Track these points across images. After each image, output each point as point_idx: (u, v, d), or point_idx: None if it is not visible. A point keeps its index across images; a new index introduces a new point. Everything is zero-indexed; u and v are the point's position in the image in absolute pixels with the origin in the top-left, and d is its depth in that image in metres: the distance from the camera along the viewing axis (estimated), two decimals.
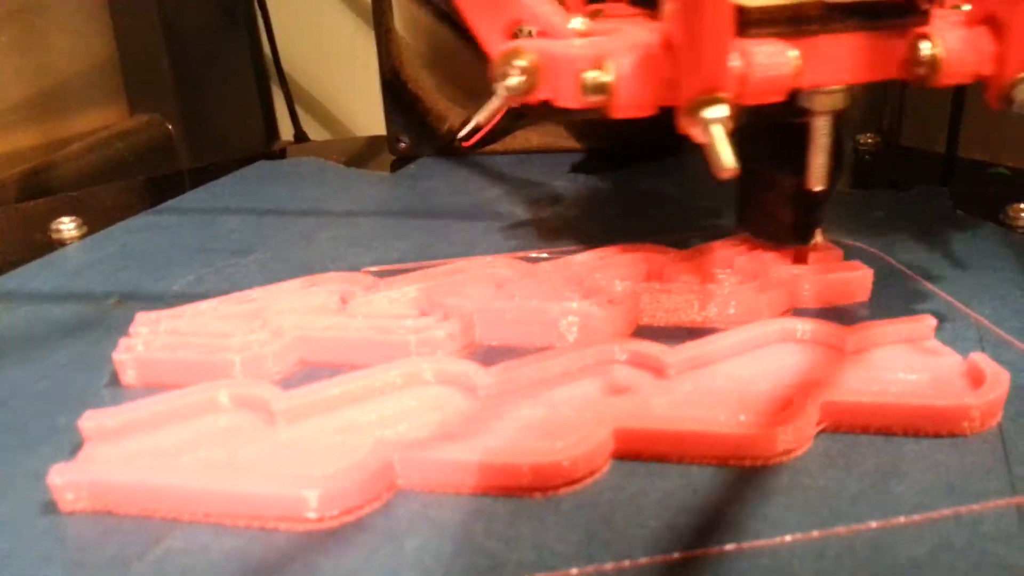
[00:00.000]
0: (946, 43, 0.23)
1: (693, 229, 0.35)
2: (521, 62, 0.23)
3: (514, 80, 0.23)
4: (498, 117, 0.48)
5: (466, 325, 0.27)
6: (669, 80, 0.22)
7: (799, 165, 0.26)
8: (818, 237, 0.29)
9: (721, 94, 0.21)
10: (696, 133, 0.21)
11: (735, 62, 0.22)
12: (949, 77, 0.24)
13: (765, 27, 0.23)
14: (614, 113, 0.23)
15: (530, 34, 0.25)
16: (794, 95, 0.24)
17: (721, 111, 0.21)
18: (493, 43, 0.26)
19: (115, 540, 0.19)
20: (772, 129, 0.27)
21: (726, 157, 0.21)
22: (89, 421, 0.22)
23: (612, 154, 0.50)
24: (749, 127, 0.23)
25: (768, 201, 0.28)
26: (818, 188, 0.25)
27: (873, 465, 0.20)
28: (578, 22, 0.24)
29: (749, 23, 0.22)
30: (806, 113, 0.25)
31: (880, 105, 0.52)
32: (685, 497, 0.20)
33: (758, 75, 0.22)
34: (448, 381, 0.24)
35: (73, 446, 0.22)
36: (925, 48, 0.23)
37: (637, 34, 0.23)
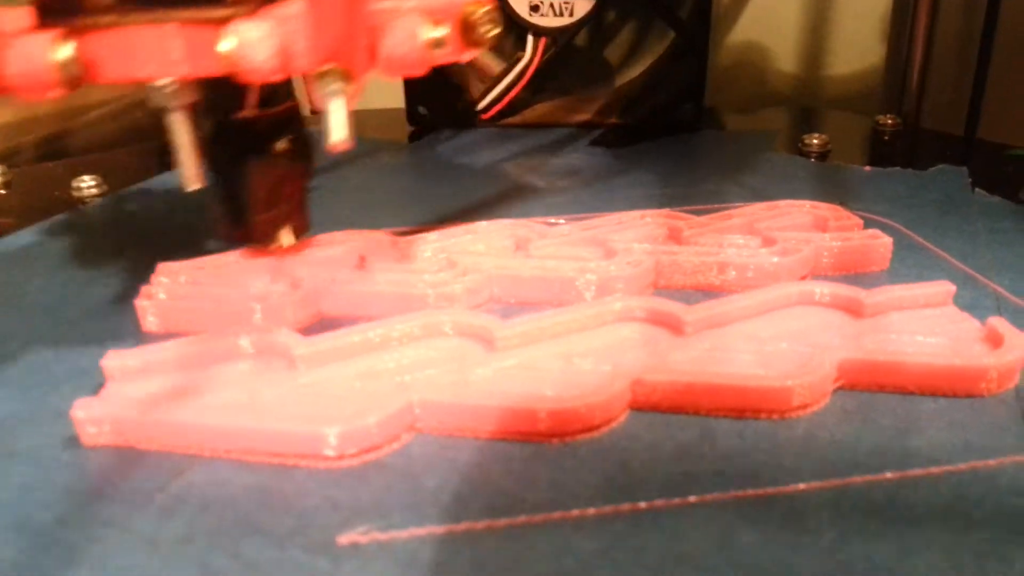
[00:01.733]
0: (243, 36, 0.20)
1: (711, 200, 0.35)
2: None
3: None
4: (520, 87, 0.48)
5: (484, 281, 0.27)
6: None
7: (247, 161, 0.26)
8: (287, 238, 0.28)
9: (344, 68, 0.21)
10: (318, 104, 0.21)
11: None
12: (254, 74, 0.20)
13: (55, 17, 0.20)
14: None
15: None
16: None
17: (341, 85, 0.21)
18: None
19: (137, 473, 0.19)
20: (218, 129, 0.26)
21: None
22: (112, 360, 0.22)
23: (630, 129, 0.50)
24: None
25: (225, 203, 0.27)
26: (192, 189, 0.23)
27: (890, 422, 0.20)
28: None
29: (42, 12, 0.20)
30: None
31: (900, 87, 0.52)
32: (701, 447, 0.20)
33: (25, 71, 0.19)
34: (467, 333, 0.24)
35: (95, 386, 0.22)
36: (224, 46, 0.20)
37: None
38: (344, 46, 0.21)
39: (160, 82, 0.20)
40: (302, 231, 0.29)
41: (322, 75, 0.21)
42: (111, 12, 0.20)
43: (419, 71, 0.23)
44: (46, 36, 0.19)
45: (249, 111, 0.26)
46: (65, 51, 0.19)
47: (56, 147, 0.57)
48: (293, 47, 0.20)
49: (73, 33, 0.19)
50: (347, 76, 0.21)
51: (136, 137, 0.62)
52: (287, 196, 0.28)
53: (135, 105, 0.64)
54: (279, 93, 0.27)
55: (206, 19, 0.19)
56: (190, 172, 0.22)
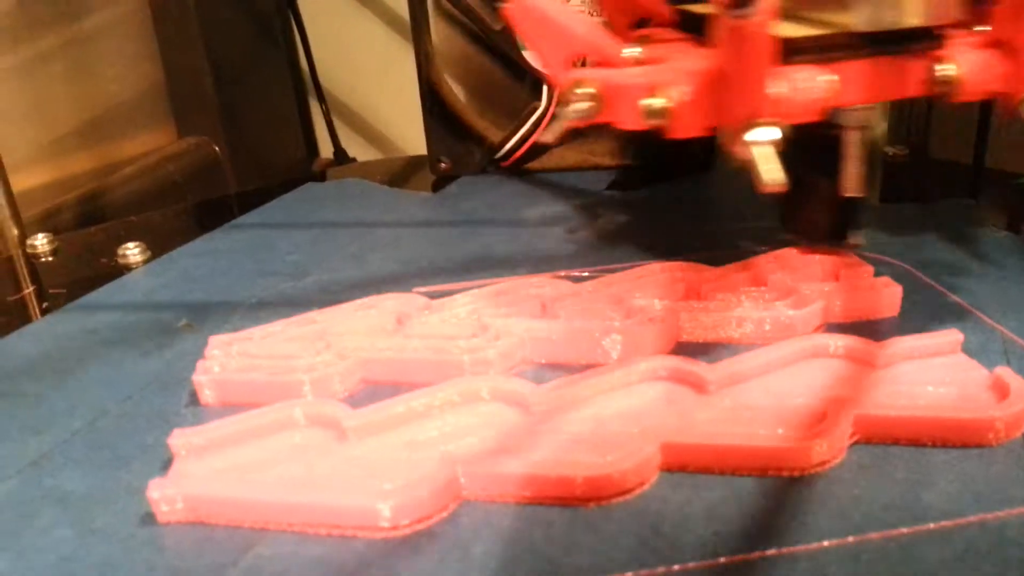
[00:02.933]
0: (963, 64, 0.26)
1: (727, 244, 0.37)
2: (586, 90, 0.25)
3: (581, 106, 0.25)
4: (536, 135, 0.50)
5: (515, 344, 0.28)
6: (720, 103, 0.24)
7: (833, 171, 0.28)
8: (857, 239, 0.32)
9: (763, 118, 0.23)
10: (741, 152, 0.24)
11: (776, 88, 0.24)
12: (966, 94, 0.26)
13: (803, 55, 0.25)
14: (669, 134, 0.25)
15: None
16: (829, 112, 0.26)
17: (763, 134, 0.23)
18: (556, 72, 0.28)
19: (210, 548, 0.21)
20: (811, 140, 0.29)
21: (768, 175, 0.23)
22: (178, 439, 0.24)
23: (646, 171, 0.51)
24: (792, 139, 0.25)
25: (808, 204, 0.31)
26: (852, 194, 0.28)
27: (903, 475, 0.22)
28: (632, 51, 0.27)
29: (789, 52, 0.25)
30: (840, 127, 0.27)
31: (907, 118, 0.53)
32: (728, 506, 0.21)
33: (797, 99, 0.25)
34: (503, 398, 0.25)
35: (163, 462, 0.24)
36: (943, 69, 0.26)
37: (686, 62, 0.26)
38: None
39: (860, 105, 0.27)
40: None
41: (747, 127, 0.24)
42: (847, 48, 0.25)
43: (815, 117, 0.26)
44: (811, 70, 0.25)
45: (833, 129, 0.29)
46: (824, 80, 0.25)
47: (94, 206, 0.60)
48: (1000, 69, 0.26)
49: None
50: (773, 124, 0.24)
51: (169, 191, 0.64)
52: (853, 205, 0.32)
53: (166, 159, 0.67)
54: None
55: (911, 52, 0.26)
56: (854, 182, 0.29)
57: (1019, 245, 0.36)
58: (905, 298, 0.31)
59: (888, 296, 0.30)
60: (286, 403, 0.25)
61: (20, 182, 0.54)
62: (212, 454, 0.24)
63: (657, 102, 0.25)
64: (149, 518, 0.22)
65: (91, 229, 0.50)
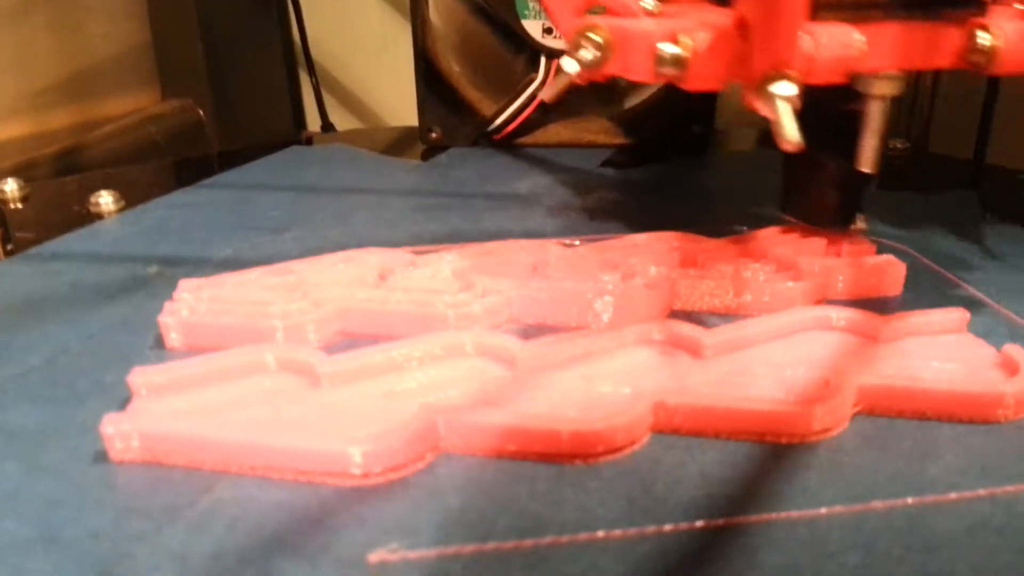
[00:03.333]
0: (1004, 34, 0.24)
1: (723, 223, 0.36)
2: (596, 36, 0.24)
3: (588, 54, 0.24)
4: (531, 108, 0.49)
5: (503, 302, 0.27)
6: (739, 57, 0.23)
7: (845, 150, 0.26)
8: (861, 223, 0.30)
9: (789, 72, 0.22)
10: (763, 108, 0.22)
11: (804, 42, 0.23)
12: (1004, 66, 0.25)
13: (833, 11, 0.24)
14: (685, 85, 0.24)
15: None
16: (851, 79, 0.25)
17: (788, 88, 0.22)
18: (565, 22, 0.27)
19: (165, 489, 0.19)
20: (820, 115, 0.27)
21: (790, 131, 0.22)
22: (138, 376, 0.22)
23: (641, 150, 0.50)
24: (797, 113, 0.23)
25: (813, 185, 0.29)
26: (868, 170, 0.26)
27: (908, 447, 0.21)
28: (648, 2, 0.25)
29: (819, 6, 0.23)
30: (857, 99, 0.25)
31: (909, 112, 0.53)
32: (724, 469, 0.20)
33: (825, 55, 0.23)
34: (488, 353, 0.24)
35: (121, 401, 0.23)
36: (983, 38, 0.24)
37: (705, 15, 0.24)
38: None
39: (888, 72, 0.24)
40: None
41: (771, 80, 0.22)
42: (883, 8, 0.24)
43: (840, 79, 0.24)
44: (844, 28, 0.23)
45: (847, 105, 0.27)
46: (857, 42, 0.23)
47: (71, 161, 0.58)
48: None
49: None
50: (796, 79, 0.23)
51: (149, 152, 0.62)
52: (859, 187, 0.30)
53: (148, 120, 0.65)
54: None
55: (950, 18, 0.24)
56: (871, 155, 0.26)
57: (1022, 235, 0.35)
58: (907, 279, 0.30)
59: (891, 274, 0.29)
60: (257, 346, 0.24)
61: None
62: (174, 394, 0.22)
63: (672, 49, 0.24)
64: (102, 456, 0.21)
65: (65, 179, 0.48)
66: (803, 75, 0.23)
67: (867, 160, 0.26)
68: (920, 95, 0.51)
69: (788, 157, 0.31)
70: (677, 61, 0.24)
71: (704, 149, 0.51)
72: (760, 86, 0.23)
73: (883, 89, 0.25)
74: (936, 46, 0.24)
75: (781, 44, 0.23)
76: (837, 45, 0.23)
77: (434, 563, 0.17)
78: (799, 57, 0.23)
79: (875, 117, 0.26)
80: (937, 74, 0.51)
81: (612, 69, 0.25)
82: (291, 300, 0.27)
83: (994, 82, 0.49)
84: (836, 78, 0.24)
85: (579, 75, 0.26)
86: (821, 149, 0.29)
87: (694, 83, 0.24)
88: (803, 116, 0.23)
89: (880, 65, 0.24)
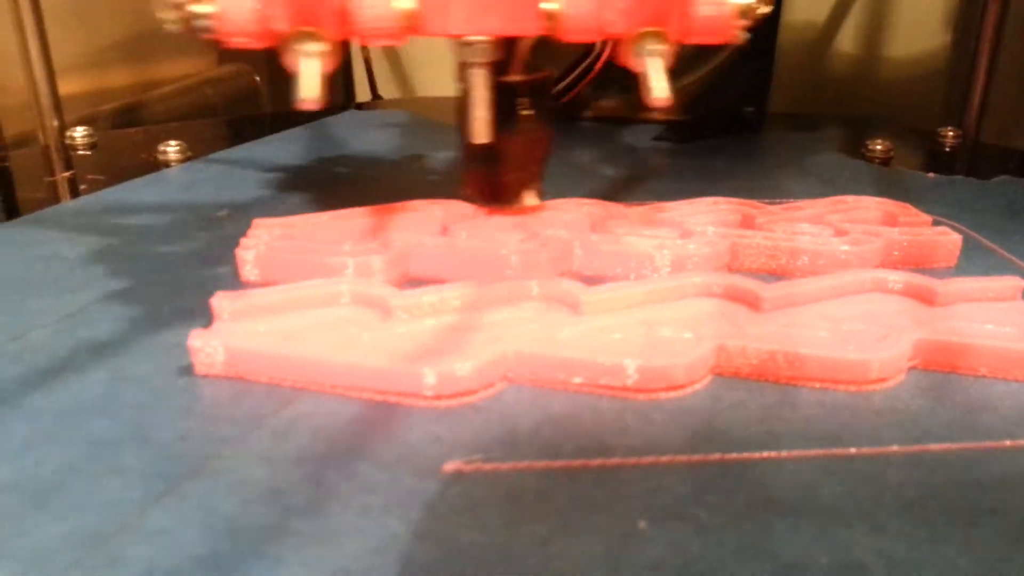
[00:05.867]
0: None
1: (777, 195, 0.36)
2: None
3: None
4: (588, 79, 0.49)
5: (565, 250, 0.28)
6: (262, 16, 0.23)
7: (501, 126, 0.26)
8: (531, 199, 0.30)
9: (318, 30, 0.22)
10: (291, 64, 0.23)
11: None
12: (572, 33, 0.24)
13: None
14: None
15: None
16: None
17: (316, 46, 0.22)
18: None
19: (248, 400, 0.20)
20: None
21: (307, 89, 0.22)
22: (221, 300, 0.23)
23: (693, 128, 0.50)
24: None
25: (466, 163, 0.30)
26: (480, 141, 0.25)
27: (964, 399, 0.21)
28: None
29: None
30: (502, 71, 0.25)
31: (962, 100, 0.53)
32: (783, 410, 0.21)
33: (363, 14, 0.23)
34: (553, 298, 0.25)
35: (202, 324, 0.24)
36: (549, 4, 0.23)
37: None
38: (659, 11, 0.23)
39: (474, 38, 0.24)
40: (540, 195, 0.31)
41: (641, 37, 0.22)
42: None
43: (723, 39, 0.24)
44: None
45: (512, 75, 0.27)
46: (406, 2, 0.22)
47: (131, 118, 0.59)
48: (610, 10, 0.22)
49: None
50: (664, 38, 0.22)
51: (206, 113, 0.64)
52: (535, 160, 0.29)
53: (205, 82, 0.66)
54: (537, 61, 0.28)
55: None
56: (482, 126, 0.25)
57: None
58: (961, 254, 0.30)
59: (946, 246, 0.29)
60: (332, 279, 0.25)
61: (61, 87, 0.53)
62: (254, 319, 0.23)
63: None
64: (187, 370, 0.22)
65: (132, 129, 0.49)
66: (340, 34, 0.23)
67: (478, 132, 0.25)
68: (973, 84, 0.51)
69: (460, 140, 0.30)
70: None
71: (755, 130, 0.51)
72: (287, 44, 0.23)
73: (474, 56, 0.24)
74: (509, 12, 0.23)
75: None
76: (373, 5, 0.23)
77: (507, 475, 0.18)
78: (329, 16, 0.23)
79: (475, 85, 0.25)
80: (992, 62, 0.51)
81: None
82: (361, 240, 0.28)
83: None
84: (380, 40, 0.24)
85: None
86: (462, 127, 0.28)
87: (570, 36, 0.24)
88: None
89: (444, 30, 0.24)
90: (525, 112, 0.29)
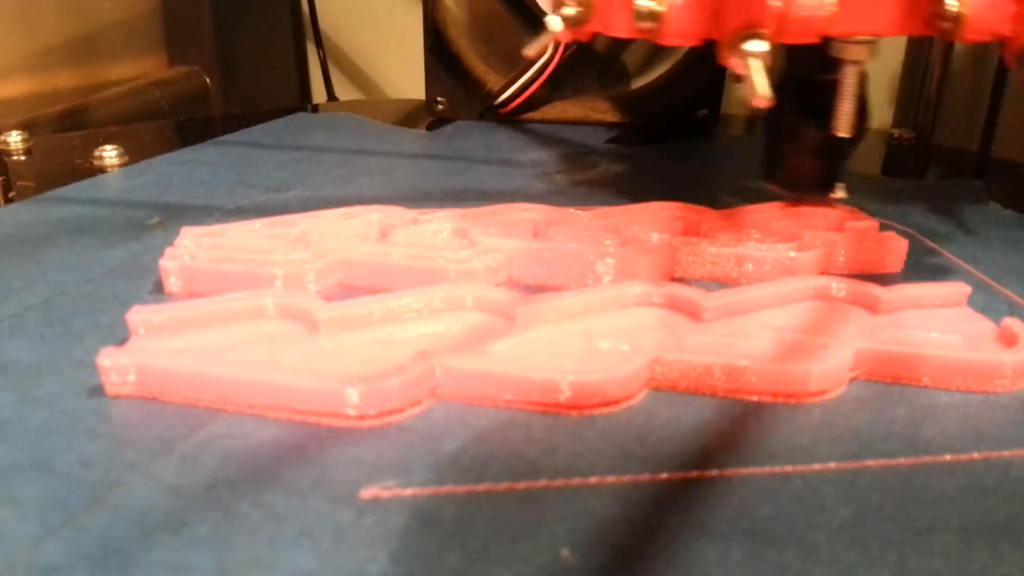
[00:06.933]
0: (971, 1, 0.24)
1: (726, 200, 0.36)
2: None
3: (571, 10, 0.24)
4: (539, 83, 0.48)
5: (504, 261, 0.27)
6: (714, 14, 0.23)
7: (823, 118, 0.27)
8: (840, 192, 0.30)
9: (761, 30, 0.22)
10: (735, 64, 0.23)
11: (775, 2, 0.23)
12: (971, 34, 0.25)
13: None
14: (662, 40, 0.24)
15: None
16: (826, 47, 0.25)
17: (759, 45, 0.22)
18: None
19: (160, 422, 0.19)
20: (798, 85, 0.28)
21: (760, 86, 0.22)
22: (136, 315, 0.22)
23: (646, 131, 0.50)
24: (777, 85, 0.24)
25: (793, 154, 0.30)
26: (843, 135, 0.27)
27: (905, 412, 0.21)
28: None
29: None
30: (833, 68, 0.26)
31: (916, 103, 0.53)
32: (719, 426, 0.20)
33: (796, 15, 0.24)
34: (488, 308, 0.24)
35: (118, 340, 0.22)
36: (951, 5, 0.24)
37: None
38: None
39: (860, 37, 0.25)
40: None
41: (741, 37, 0.23)
42: None
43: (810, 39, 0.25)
44: None
45: (825, 75, 0.27)
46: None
47: (74, 121, 0.57)
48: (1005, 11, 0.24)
49: None
50: (764, 37, 0.23)
51: (153, 117, 0.62)
52: (839, 156, 0.30)
53: (153, 84, 0.65)
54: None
55: None
56: (847, 121, 0.27)
57: None
58: (908, 259, 0.30)
59: (893, 250, 0.29)
60: (257, 291, 0.24)
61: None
62: (172, 334, 0.22)
63: (649, 4, 0.24)
64: (97, 390, 0.21)
65: (69, 134, 0.48)
66: (774, 34, 0.23)
67: (843, 125, 0.27)
68: (927, 86, 0.51)
69: (770, 127, 0.31)
70: (653, 16, 0.24)
71: (709, 133, 0.51)
72: (732, 43, 0.23)
73: (855, 55, 0.25)
74: (907, 12, 0.25)
75: (753, 2, 0.23)
76: (808, 6, 0.24)
77: (427, 501, 0.17)
78: (770, 16, 0.23)
79: (849, 83, 0.26)
80: (945, 65, 0.51)
81: (594, 25, 0.25)
82: (292, 250, 0.27)
83: (1002, 74, 0.49)
84: (807, 38, 0.24)
85: (563, 33, 0.26)
86: (801, 118, 0.29)
87: (670, 38, 0.24)
88: (784, 86, 0.23)
89: (851, 29, 0.25)
90: (829, 111, 0.29)
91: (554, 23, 0.25)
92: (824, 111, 0.28)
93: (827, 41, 0.26)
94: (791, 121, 0.29)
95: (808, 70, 0.27)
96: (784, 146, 0.31)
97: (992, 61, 0.50)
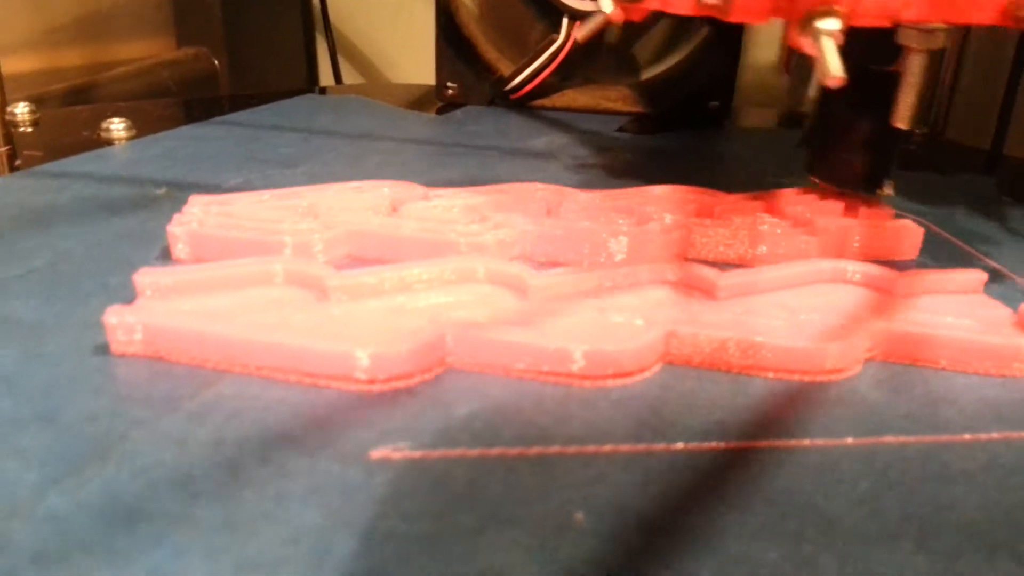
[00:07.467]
0: None
1: (739, 186, 0.35)
2: None
3: None
4: (551, 69, 0.48)
5: (516, 236, 0.27)
6: None
7: (879, 110, 0.26)
8: (888, 189, 0.30)
9: (835, 7, 0.22)
10: (807, 44, 0.22)
11: None
12: None
13: None
14: (728, 18, 0.23)
15: None
16: (886, 36, 0.24)
17: (833, 23, 0.22)
18: None
19: (166, 381, 0.19)
20: (858, 76, 0.27)
21: (834, 66, 0.21)
22: (144, 276, 0.22)
23: (657, 120, 0.50)
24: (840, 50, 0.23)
25: (843, 147, 0.29)
26: (902, 126, 0.26)
27: (923, 391, 0.20)
28: None
29: None
30: (895, 61, 0.25)
31: (929, 99, 0.52)
32: (734, 399, 0.20)
33: None
34: (500, 280, 0.24)
35: (125, 301, 0.22)
36: None
37: None
38: None
39: (930, 25, 0.24)
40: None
41: (814, 16, 0.22)
42: None
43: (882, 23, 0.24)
44: None
45: (881, 65, 0.27)
46: None
47: (82, 98, 0.57)
48: None
49: None
50: (838, 17, 0.22)
51: (161, 95, 0.62)
52: (890, 151, 0.29)
53: (161, 65, 0.64)
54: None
55: None
56: (908, 112, 0.25)
57: None
58: (923, 248, 0.29)
59: (908, 238, 0.29)
60: (266, 257, 0.23)
61: (7, 65, 0.51)
62: (179, 297, 0.22)
63: None
64: (103, 349, 0.20)
65: (77, 107, 0.47)
66: (847, 14, 0.23)
67: (902, 116, 0.26)
68: (940, 81, 0.51)
69: (820, 118, 0.30)
70: None
71: (720, 124, 0.50)
72: (805, 21, 0.22)
73: (923, 42, 0.25)
74: (980, 1, 0.24)
75: None
76: None
77: (437, 464, 0.17)
78: None
79: (914, 71, 0.25)
80: (958, 61, 0.51)
81: (652, 3, 0.25)
82: (301, 221, 0.26)
83: (1017, 69, 0.49)
84: (879, 22, 0.24)
85: (615, 13, 0.25)
86: (855, 109, 0.29)
87: (738, 15, 0.24)
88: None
89: (923, 15, 0.24)
90: (887, 104, 0.28)
91: (606, 4, 0.25)
92: (879, 103, 0.27)
93: (892, 29, 0.25)
94: (844, 112, 0.29)
95: (864, 60, 0.26)
96: (834, 138, 0.30)
97: (1005, 58, 0.50)
